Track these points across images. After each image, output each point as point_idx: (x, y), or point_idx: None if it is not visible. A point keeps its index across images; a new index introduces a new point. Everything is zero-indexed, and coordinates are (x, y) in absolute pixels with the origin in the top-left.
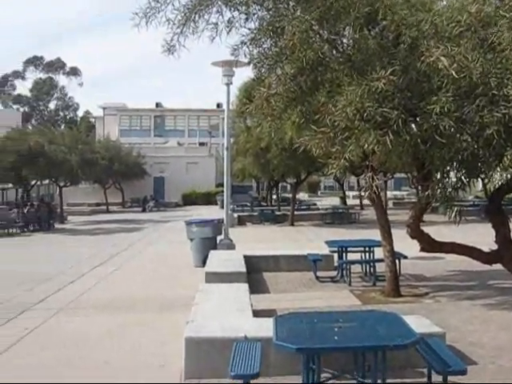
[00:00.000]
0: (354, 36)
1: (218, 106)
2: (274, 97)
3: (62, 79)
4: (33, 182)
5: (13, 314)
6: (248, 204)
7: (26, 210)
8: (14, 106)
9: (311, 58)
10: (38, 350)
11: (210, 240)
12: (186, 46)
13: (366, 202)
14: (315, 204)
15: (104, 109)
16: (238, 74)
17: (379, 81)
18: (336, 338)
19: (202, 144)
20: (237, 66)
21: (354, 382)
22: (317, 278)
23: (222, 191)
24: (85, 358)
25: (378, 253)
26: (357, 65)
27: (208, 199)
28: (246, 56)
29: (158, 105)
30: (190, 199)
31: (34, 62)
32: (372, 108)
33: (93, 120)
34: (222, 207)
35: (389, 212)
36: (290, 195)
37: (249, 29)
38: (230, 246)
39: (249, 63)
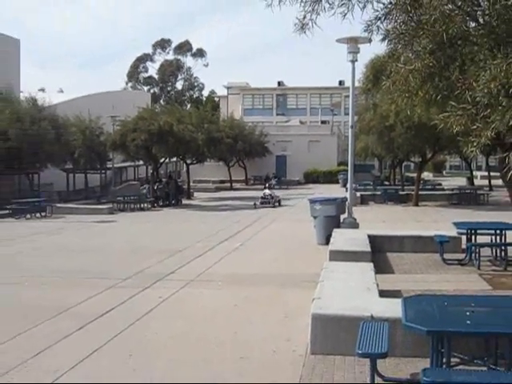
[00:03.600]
0: (496, 7)
1: (340, 83)
2: (411, 73)
3: (188, 60)
4: (162, 160)
5: (148, 283)
6: (370, 183)
7: (155, 187)
8: (145, 87)
9: (453, 32)
10: (170, 319)
11: (333, 218)
12: (317, 24)
13: (495, 182)
14: (440, 184)
15: (228, 88)
16: (362, 51)
17: None
18: (468, 322)
19: (323, 122)
20: (370, 41)
21: (484, 368)
22: (443, 260)
23: (344, 170)
24: (214, 328)
25: (510, 237)
26: (500, 38)
27: (329, 178)
28: (378, 32)
29: (279, 83)
30: (311, 177)
31: (162, 44)
32: None
33: (217, 99)
34: (344, 186)
35: None
36: (414, 174)
37: (383, 4)
38: (354, 224)
39: (383, 39)
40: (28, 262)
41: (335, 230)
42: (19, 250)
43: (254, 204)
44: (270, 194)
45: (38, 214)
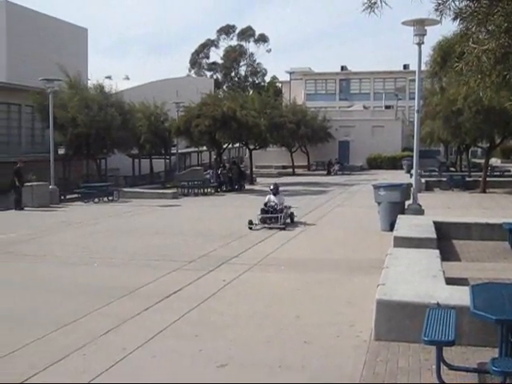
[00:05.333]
0: None
1: (405, 67)
2: (485, 53)
3: (251, 46)
4: (225, 145)
5: (212, 267)
6: (436, 169)
7: (219, 172)
8: (208, 73)
9: None
10: (234, 301)
11: (397, 204)
12: (387, 3)
13: None
14: (509, 170)
15: (290, 74)
16: (428, 33)
17: None
18: None
19: (387, 107)
20: (438, 22)
21: None
22: None
23: (409, 155)
24: (277, 311)
25: None
26: None
27: (393, 163)
28: (450, 10)
29: (343, 68)
30: (374, 163)
31: (226, 30)
32: None
33: (279, 85)
34: (408, 172)
35: None
36: (481, 161)
37: None
38: (419, 211)
39: (455, 18)
40: (97, 244)
41: (400, 216)
42: (88, 233)
43: (250, 224)
44: (276, 204)
45: (105, 198)
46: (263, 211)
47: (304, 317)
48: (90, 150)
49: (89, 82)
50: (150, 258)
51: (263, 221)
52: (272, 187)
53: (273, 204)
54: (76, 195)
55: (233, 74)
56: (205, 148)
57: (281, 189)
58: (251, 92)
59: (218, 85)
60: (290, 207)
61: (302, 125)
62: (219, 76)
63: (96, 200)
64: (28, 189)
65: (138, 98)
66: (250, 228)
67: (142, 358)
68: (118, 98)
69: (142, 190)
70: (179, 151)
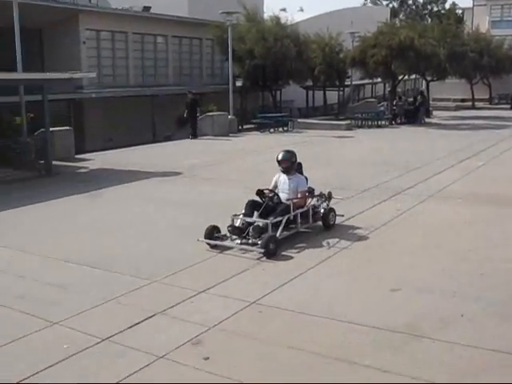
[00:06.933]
0: None
1: None
2: None
3: None
4: (400, 77)
5: (385, 196)
6: None
7: (394, 103)
8: (384, 2)
9: None
10: (407, 231)
11: None
12: None
13: None
14: None
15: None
16: None
17: None
18: None
19: None
20: None
21: None
22: None
23: None
24: (451, 242)
25: None
26: None
27: None
28: None
29: None
30: None
31: None
32: None
33: (460, 12)
34: None
35: None
36: None
37: None
38: None
39: None
40: (268, 173)
41: None
42: (265, 160)
43: (208, 237)
44: (277, 197)
45: (280, 129)
46: (250, 207)
47: (480, 249)
48: (266, 81)
49: (264, 14)
50: (327, 187)
51: (237, 232)
52: (281, 156)
53: (271, 195)
54: (252, 125)
55: (410, 1)
56: (379, 80)
57: (458, 122)
58: (429, 20)
59: (394, 14)
60: (324, 197)
61: (485, 54)
62: (395, 4)
63: (271, 130)
64: (208, 119)
65: (312, 29)
66: (210, 245)
67: (318, 276)
68: (294, 30)
69: (315, 121)
70: (353, 83)
